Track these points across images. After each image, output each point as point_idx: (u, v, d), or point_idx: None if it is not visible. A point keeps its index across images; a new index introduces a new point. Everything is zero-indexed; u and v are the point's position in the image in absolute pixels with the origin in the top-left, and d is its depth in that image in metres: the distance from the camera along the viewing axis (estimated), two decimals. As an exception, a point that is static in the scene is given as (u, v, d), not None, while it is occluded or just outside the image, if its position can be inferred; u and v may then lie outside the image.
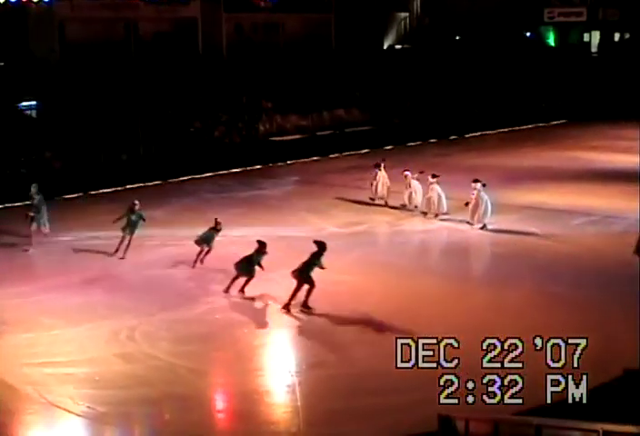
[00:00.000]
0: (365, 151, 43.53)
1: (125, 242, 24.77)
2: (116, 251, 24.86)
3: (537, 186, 34.23)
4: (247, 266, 21.45)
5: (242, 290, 21.56)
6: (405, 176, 30.00)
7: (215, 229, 23.81)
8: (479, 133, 49.88)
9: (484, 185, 27.57)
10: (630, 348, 17.30)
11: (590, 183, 35.04)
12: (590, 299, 20.88)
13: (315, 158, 42.28)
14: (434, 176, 29.01)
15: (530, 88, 54.46)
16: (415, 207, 29.89)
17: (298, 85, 45.60)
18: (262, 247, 21.52)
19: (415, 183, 29.79)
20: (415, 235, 27.96)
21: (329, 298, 20.79)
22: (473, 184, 27.59)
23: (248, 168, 39.64)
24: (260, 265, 21.48)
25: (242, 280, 21.49)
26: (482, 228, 27.61)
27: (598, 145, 44.67)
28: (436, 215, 29.07)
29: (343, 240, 26.42)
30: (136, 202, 25.01)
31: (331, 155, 42.90)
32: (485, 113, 51.14)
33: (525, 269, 23.14)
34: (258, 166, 40.20)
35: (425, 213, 29.44)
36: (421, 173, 29.74)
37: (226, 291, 21.59)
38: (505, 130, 51.08)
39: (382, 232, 28.89)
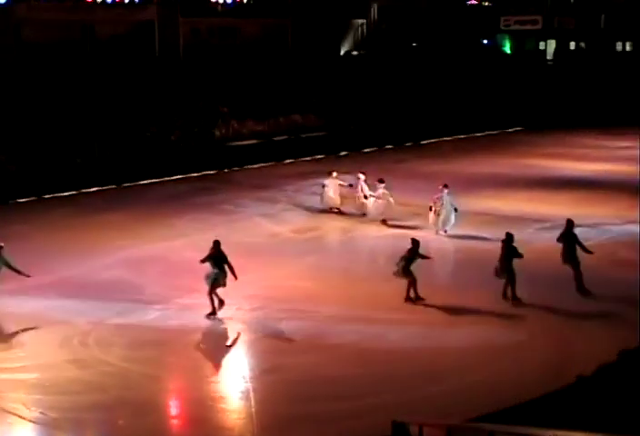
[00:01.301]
0: (321, 156, 43.60)
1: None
2: (213, 311, 20.49)
3: (493, 193, 34.46)
4: (405, 269, 21.10)
5: (416, 295, 21.11)
6: (359, 178, 30.00)
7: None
8: (435, 140, 50.12)
9: (446, 186, 27.59)
10: (584, 354, 17.46)
11: (544, 191, 35.29)
12: (545, 305, 20.98)
13: (271, 163, 42.23)
14: (381, 181, 29.05)
15: (486, 95, 54.76)
16: (364, 214, 29.92)
17: (255, 90, 45.54)
18: (415, 246, 21.24)
19: (365, 188, 29.79)
20: (369, 241, 28.00)
21: (283, 303, 20.82)
22: (440, 189, 27.65)
23: (204, 173, 39.50)
24: (424, 256, 21.38)
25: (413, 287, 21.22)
26: (443, 232, 27.66)
27: (553, 153, 45.07)
28: (384, 221, 29.09)
29: (297, 245, 26.46)
30: (218, 239, 20.78)
31: (287, 161, 42.89)
32: (442, 119, 51.32)
33: (481, 275, 23.17)
34: (214, 171, 40.09)
35: (364, 214, 29.66)
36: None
37: (408, 299, 21.07)
38: (462, 137, 51.41)
39: (336, 238, 28.98)
